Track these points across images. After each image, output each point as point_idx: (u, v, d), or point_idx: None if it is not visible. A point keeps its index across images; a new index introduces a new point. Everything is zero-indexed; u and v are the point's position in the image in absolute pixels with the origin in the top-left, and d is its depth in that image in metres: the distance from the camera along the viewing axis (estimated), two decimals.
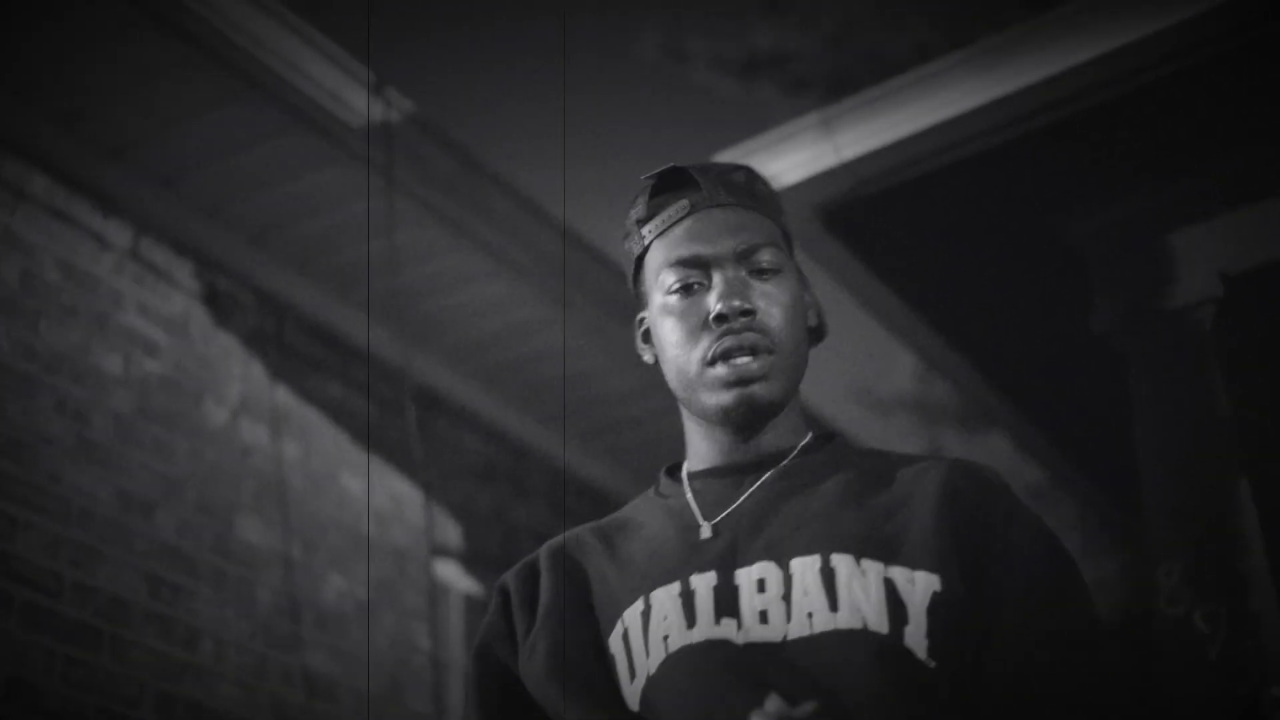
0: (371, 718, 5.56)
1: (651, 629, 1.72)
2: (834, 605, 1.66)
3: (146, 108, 4.85)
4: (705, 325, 1.80)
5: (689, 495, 1.85)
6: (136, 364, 5.03)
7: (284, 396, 5.55)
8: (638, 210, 1.90)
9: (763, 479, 1.82)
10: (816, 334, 1.92)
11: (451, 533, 6.15)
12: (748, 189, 1.89)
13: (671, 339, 1.83)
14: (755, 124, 4.70)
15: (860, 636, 1.64)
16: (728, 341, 1.78)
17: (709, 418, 1.84)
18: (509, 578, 1.90)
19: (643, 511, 1.90)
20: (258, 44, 4.71)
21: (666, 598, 1.73)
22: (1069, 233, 4.76)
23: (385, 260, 5.38)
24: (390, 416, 5.89)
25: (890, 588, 1.67)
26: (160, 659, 4.81)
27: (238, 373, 5.41)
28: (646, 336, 1.91)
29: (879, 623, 1.65)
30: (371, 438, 5.86)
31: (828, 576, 1.68)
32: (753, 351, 1.79)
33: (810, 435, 1.90)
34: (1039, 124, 4.52)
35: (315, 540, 5.54)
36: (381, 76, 5.02)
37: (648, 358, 1.92)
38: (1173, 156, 4.56)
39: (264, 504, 5.35)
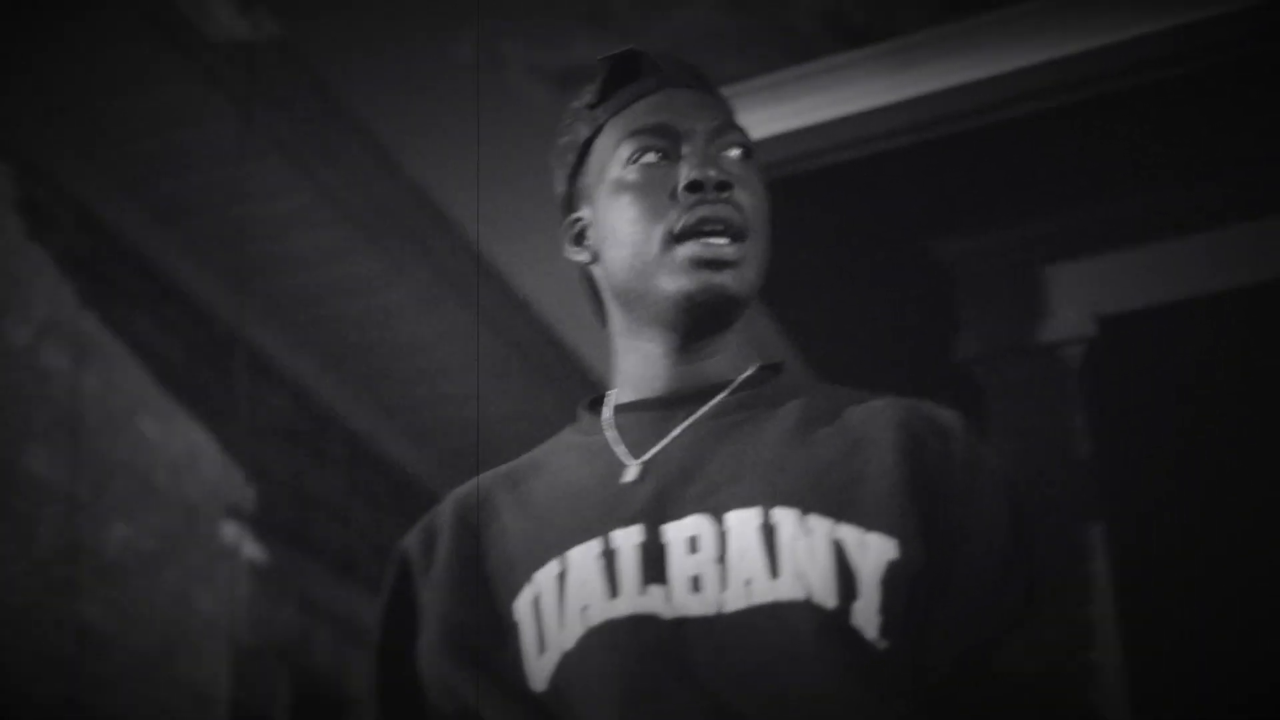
0: (141, 678, 5.19)
1: (568, 596, 1.47)
2: (774, 570, 1.42)
3: None
4: (673, 197, 1.55)
5: (613, 431, 1.60)
6: None
7: (91, 325, 5.17)
8: (588, 96, 1.68)
9: (699, 413, 1.57)
10: None
11: (245, 494, 5.81)
12: (708, 82, 1.70)
13: (628, 215, 1.58)
14: None
15: (802, 610, 1.40)
16: (702, 211, 1.53)
17: (662, 312, 1.57)
18: (409, 544, 1.62)
19: (558, 452, 1.65)
20: None
21: (586, 559, 1.48)
22: (941, 252, 4.64)
23: (223, 193, 5.05)
24: (199, 361, 5.55)
25: (839, 551, 1.44)
26: None
27: (46, 292, 5.02)
28: (581, 237, 1.66)
29: (825, 594, 1.41)
30: (176, 382, 5.50)
31: (768, 534, 1.44)
32: (728, 230, 1.54)
33: (756, 365, 1.65)
34: (925, 136, 4.39)
35: (104, 482, 5.17)
36: None
37: (581, 258, 1.66)
38: (1058, 188, 4.47)
39: (56, 436, 4.97)
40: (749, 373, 1.63)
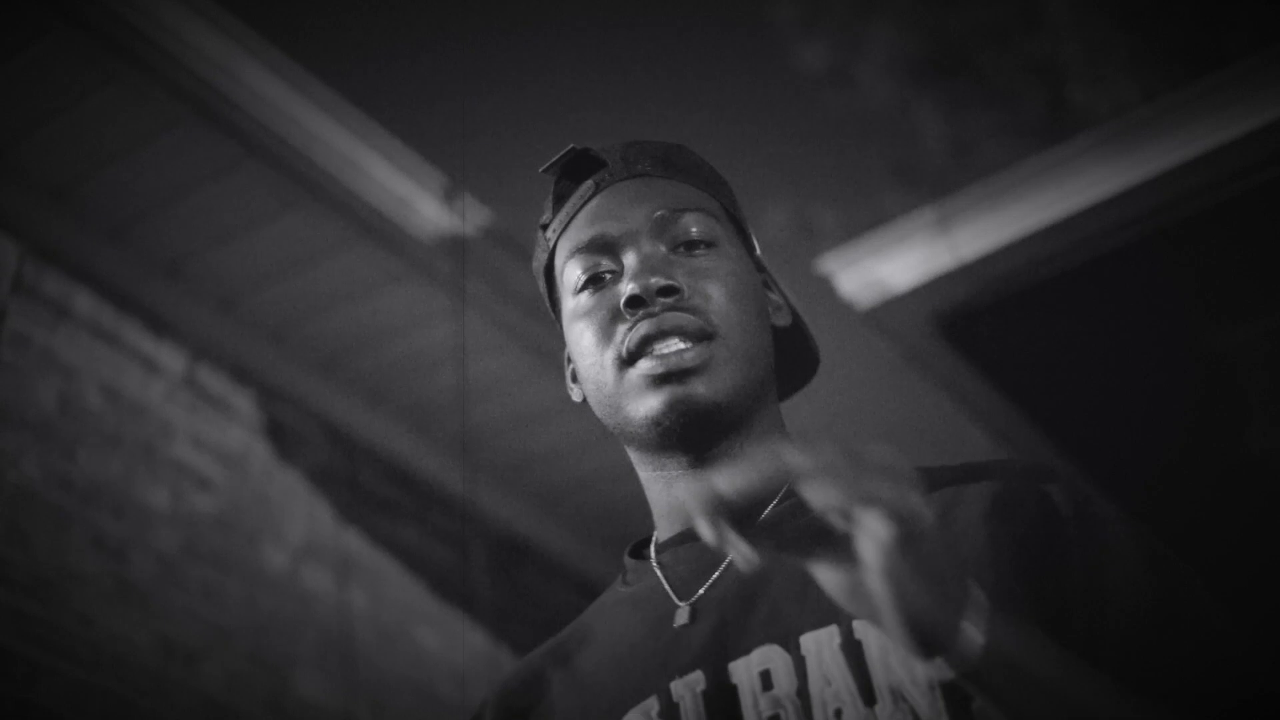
0: None
1: None
2: (869, 695, 1.23)
3: (202, 218, 4.49)
4: (617, 318, 1.38)
5: (658, 573, 1.42)
6: (186, 500, 4.60)
7: (353, 540, 5.09)
8: (543, 216, 1.51)
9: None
10: (795, 342, 1.50)
11: None
12: (670, 159, 1.49)
13: (584, 346, 1.41)
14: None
15: None
16: (644, 327, 1.36)
17: (644, 441, 1.39)
18: None
19: (606, 611, 1.48)
20: (317, 144, 4.34)
21: None
22: (1218, 341, 4.21)
23: (462, 393, 4.94)
24: (469, 566, 5.41)
25: None
26: None
27: (301, 513, 4.96)
28: (576, 373, 1.49)
29: (934, 712, 1.22)
30: (453, 589, 5.37)
31: (853, 653, 1.25)
32: (681, 334, 1.35)
33: None
34: (1182, 214, 4.01)
35: (385, 701, 5.03)
36: (455, 181, 4.61)
37: (576, 396, 1.50)
38: None
39: (327, 658, 4.86)
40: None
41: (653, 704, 1.30)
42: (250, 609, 4.68)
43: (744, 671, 1.28)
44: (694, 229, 1.42)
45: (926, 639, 1.13)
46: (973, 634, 1.12)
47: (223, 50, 4.25)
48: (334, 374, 5.04)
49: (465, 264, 4.58)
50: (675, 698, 1.30)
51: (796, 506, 1.37)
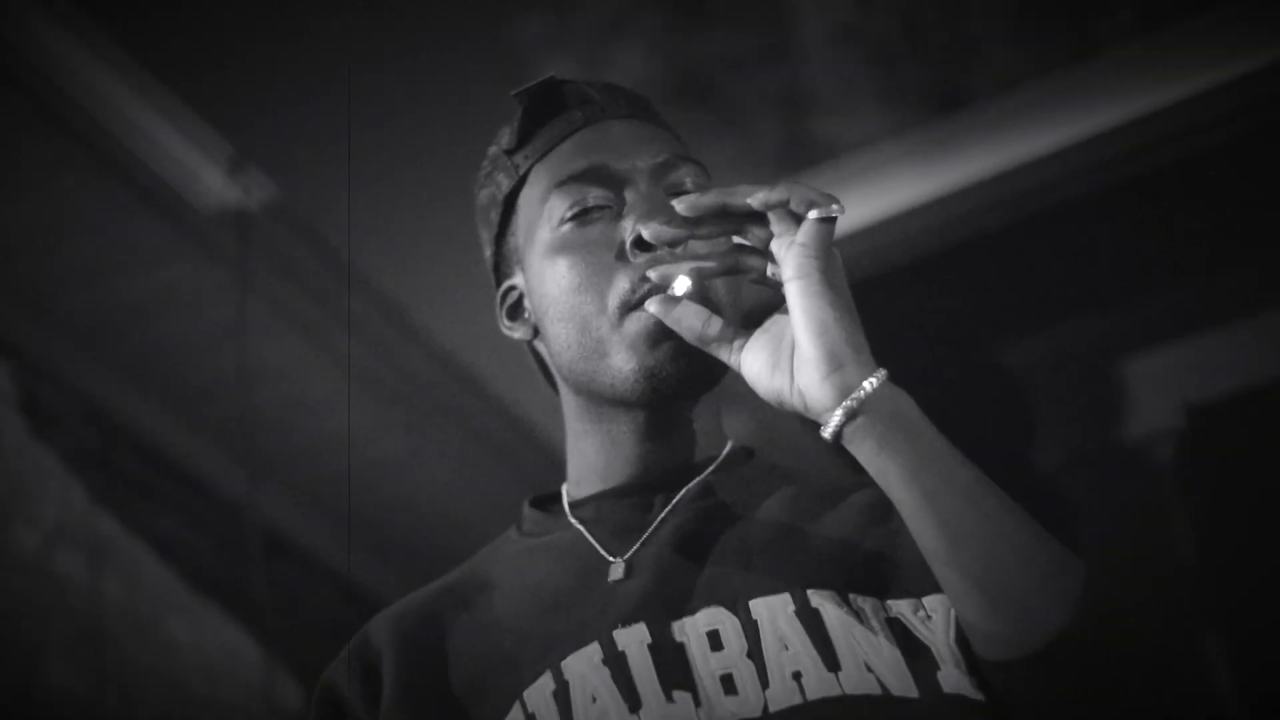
0: None
1: (576, 714, 1.26)
2: (832, 662, 1.24)
3: None
4: (620, 257, 1.36)
5: (579, 526, 1.41)
6: None
7: (108, 525, 4.87)
8: (504, 141, 1.46)
9: (679, 497, 1.41)
10: None
11: (291, 696, 5.45)
12: (654, 111, 1.51)
13: (567, 283, 1.37)
14: None
15: (883, 706, 1.23)
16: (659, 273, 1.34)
17: (621, 393, 1.38)
18: (335, 677, 1.45)
19: (505, 559, 1.45)
20: (98, 102, 4.13)
21: (587, 668, 1.27)
22: (1008, 356, 4.31)
23: (234, 377, 4.77)
24: (228, 558, 5.23)
25: (901, 630, 1.28)
26: None
27: (55, 494, 4.73)
28: (516, 309, 1.48)
29: (904, 684, 1.24)
30: (206, 581, 5.18)
31: (811, 621, 1.27)
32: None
33: (730, 445, 1.48)
34: (976, 231, 4.09)
35: (132, 693, 4.82)
36: (242, 152, 4.43)
37: (518, 334, 1.48)
38: (1130, 272, 4.14)
39: (77, 646, 4.64)
40: (727, 451, 1.46)
41: (594, 651, 1.28)
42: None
43: (691, 630, 1.27)
44: (689, 181, 1.42)
45: (835, 363, 1.23)
46: (873, 372, 1.25)
47: None
48: (97, 351, 4.82)
49: (248, 241, 4.42)
50: (620, 647, 1.27)
51: (732, 477, 1.44)
